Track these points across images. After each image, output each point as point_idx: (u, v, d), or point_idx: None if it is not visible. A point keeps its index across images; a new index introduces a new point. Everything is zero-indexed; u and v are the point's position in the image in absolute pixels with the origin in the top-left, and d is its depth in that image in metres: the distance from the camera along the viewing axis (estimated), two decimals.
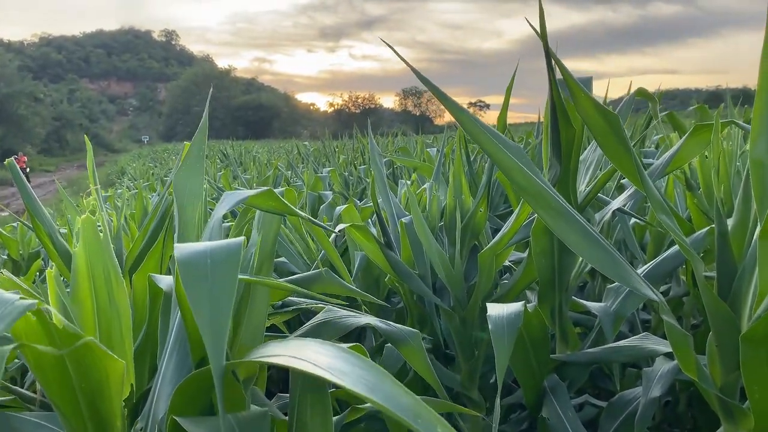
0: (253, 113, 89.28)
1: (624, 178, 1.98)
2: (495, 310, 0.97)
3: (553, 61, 0.91)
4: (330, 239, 1.43)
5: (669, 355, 1.32)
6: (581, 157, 1.39)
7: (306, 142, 13.50)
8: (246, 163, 7.17)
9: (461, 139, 2.23)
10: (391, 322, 1.02)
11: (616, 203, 1.32)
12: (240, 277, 0.79)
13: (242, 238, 0.63)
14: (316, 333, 0.95)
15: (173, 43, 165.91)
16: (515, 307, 0.95)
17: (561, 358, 1.25)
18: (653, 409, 1.27)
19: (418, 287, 1.42)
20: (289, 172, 5.37)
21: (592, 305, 1.32)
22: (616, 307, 1.28)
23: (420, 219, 1.47)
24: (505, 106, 1.42)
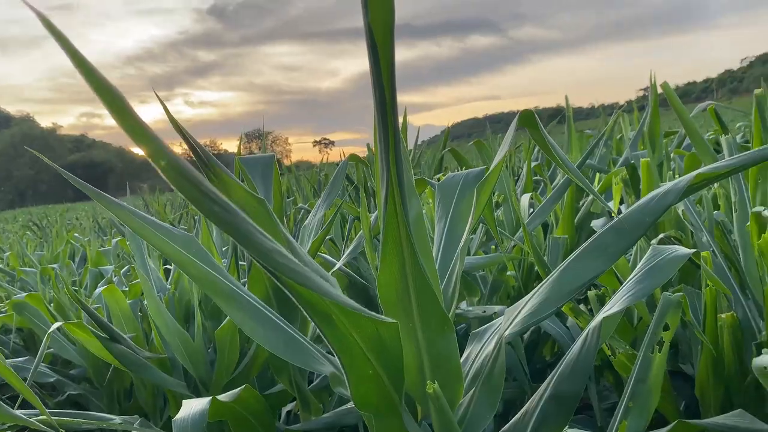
0: (84, 172, 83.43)
1: None
2: (185, 409, 0.91)
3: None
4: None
5: None
6: (305, 223, 1.40)
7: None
8: (58, 234, 6.47)
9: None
10: None
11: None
12: None
13: None
14: None
15: None
16: (202, 404, 0.91)
17: (294, 429, 1.21)
18: None
19: (152, 375, 1.33)
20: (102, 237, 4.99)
21: None
22: None
23: (152, 296, 1.39)
24: None
